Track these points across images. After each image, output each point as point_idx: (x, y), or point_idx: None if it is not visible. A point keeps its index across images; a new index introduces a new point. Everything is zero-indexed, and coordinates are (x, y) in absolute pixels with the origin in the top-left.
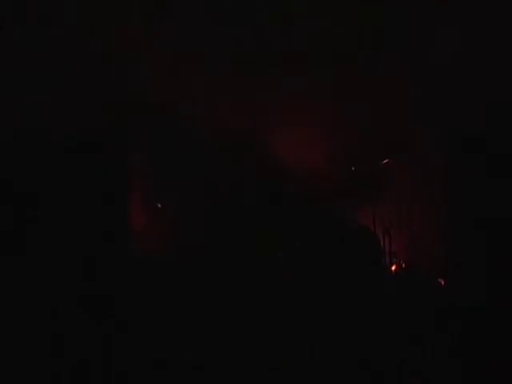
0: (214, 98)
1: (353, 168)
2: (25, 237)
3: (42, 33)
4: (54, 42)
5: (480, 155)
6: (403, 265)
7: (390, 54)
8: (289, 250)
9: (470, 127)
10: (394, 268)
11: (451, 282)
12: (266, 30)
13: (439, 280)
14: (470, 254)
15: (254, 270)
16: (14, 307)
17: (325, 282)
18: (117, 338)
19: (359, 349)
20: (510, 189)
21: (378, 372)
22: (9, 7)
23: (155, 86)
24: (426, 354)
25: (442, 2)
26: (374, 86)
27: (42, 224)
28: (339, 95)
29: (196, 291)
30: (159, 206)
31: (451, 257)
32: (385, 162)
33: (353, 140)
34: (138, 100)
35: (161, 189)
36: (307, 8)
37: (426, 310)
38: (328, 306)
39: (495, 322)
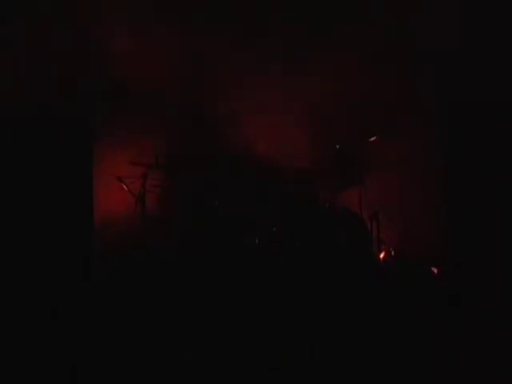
0: (194, 82)
1: (337, 146)
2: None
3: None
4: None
5: (473, 129)
6: (392, 252)
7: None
8: (272, 238)
9: (462, 102)
10: (382, 256)
11: (446, 272)
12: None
13: (432, 269)
14: (466, 241)
15: (241, 261)
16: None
17: (309, 270)
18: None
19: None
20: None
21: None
22: None
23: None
24: (420, 346)
25: None
26: (359, 61)
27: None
28: (324, 70)
29: (195, 291)
30: (126, 188)
31: (445, 244)
32: (372, 139)
33: (337, 116)
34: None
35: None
36: None
37: (419, 301)
38: (315, 294)
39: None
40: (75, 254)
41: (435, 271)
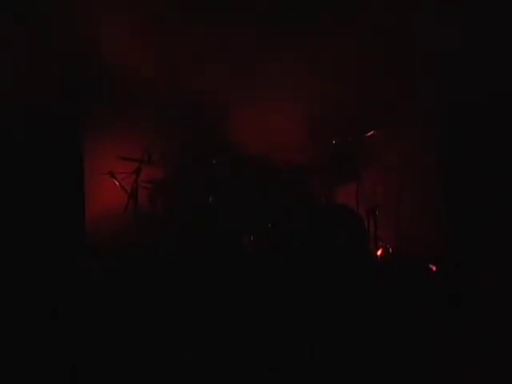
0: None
1: (334, 141)
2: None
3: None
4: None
5: (473, 129)
6: (390, 250)
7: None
8: (269, 236)
9: (462, 102)
10: (379, 253)
11: (446, 272)
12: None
13: (431, 267)
14: (466, 241)
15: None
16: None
17: (308, 268)
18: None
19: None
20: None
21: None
22: None
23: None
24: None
25: None
26: (358, 55)
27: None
28: (324, 70)
29: (191, 290)
30: (117, 183)
31: (445, 244)
32: (370, 133)
33: (335, 110)
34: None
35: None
36: None
37: (419, 301)
38: (313, 293)
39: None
40: (67, 252)
41: (434, 269)
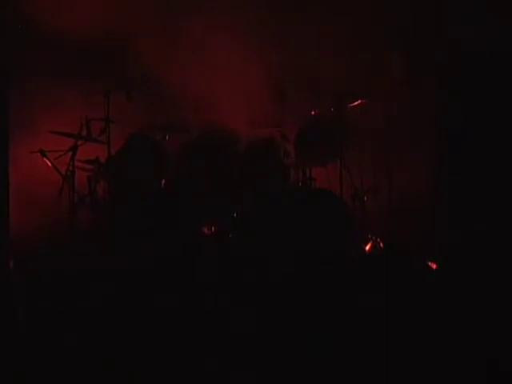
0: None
1: (312, 112)
2: None
3: None
4: None
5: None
6: (380, 244)
7: None
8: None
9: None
10: (367, 248)
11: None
12: None
13: (426, 262)
14: (466, 241)
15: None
16: None
17: (276, 261)
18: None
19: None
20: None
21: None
22: None
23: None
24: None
25: None
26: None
27: None
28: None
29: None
30: (50, 164)
31: (445, 242)
32: (355, 103)
33: (314, 76)
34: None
35: None
36: None
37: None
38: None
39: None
40: None
41: (434, 267)
